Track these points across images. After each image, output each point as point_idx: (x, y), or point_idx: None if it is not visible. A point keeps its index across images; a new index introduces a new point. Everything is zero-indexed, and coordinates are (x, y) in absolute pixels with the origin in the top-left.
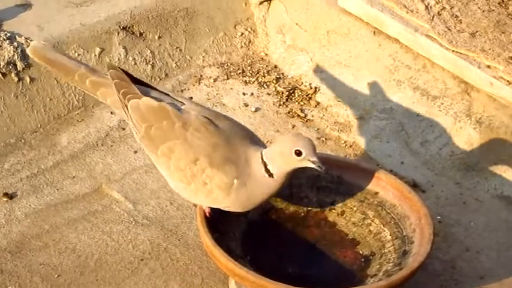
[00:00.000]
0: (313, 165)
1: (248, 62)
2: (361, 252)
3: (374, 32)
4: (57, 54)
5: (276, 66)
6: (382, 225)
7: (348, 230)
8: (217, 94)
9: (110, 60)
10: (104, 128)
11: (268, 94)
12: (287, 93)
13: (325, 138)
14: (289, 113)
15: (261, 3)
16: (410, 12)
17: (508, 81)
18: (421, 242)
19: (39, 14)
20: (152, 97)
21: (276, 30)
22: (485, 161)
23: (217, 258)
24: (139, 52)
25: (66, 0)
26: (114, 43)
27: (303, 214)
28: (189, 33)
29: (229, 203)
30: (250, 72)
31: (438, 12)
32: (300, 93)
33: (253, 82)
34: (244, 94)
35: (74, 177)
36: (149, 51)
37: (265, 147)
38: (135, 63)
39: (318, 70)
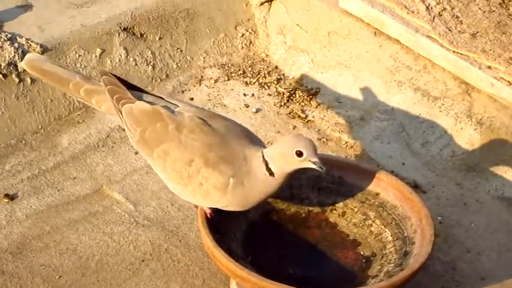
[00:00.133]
0: (314, 166)
1: (249, 63)
2: (362, 253)
3: (375, 33)
4: (52, 65)
5: (276, 67)
6: (383, 226)
7: (349, 230)
8: (218, 95)
9: (111, 61)
10: (104, 129)
11: (269, 95)
12: (288, 94)
13: (326, 139)
14: (290, 113)
15: (261, 4)
16: (411, 13)
17: (508, 82)
18: (422, 242)
19: (40, 15)
20: (146, 101)
21: (276, 31)
22: (486, 161)
23: (218, 259)
24: (140, 53)
25: (67, 1)
26: (114, 44)
27: (304, 215)
28: (190, 34)
29: (227, 203)
30: (251, 73)
31: (439, 13)
32: (300, 94)
33: (254, 83)
34: (245, 95)
35: (74, 178)
36: (150, 52)
37: (264, 146)
38: (136, 64)
39: (319, 71)
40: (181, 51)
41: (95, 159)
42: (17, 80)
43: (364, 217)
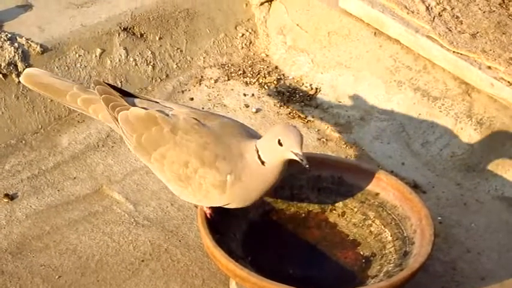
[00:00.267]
0: (295, 157)
1: (249, 63)
2: (361, 253)
3: (375, 33)
4: (50, 78)
5: (276, 67)
6: (382, 226)
7: (348, 231)
8: (218, 95)
9: (111, 61)
10: (104, 129)
11: (269, 95)
12: (288, 94)
13: (326, 139)
14: (290, 113)
15: (261, 4)
16: (411, 13)
17: (508, 82)
18: (421, 243)
19: (40, 15)
20: (140, 107)
21: (276, 31)
22: (486, 162)
23: (218, 259)
24: (140, 53)
25: (67, 1)
26: (114, 44)
27: (303, 215)
28: (190, 34)
29: (228, 200)
30: (251, 73)
31: (439, 13)
32: (300, 94)
33: (254, 83)
34: (245, 95)
35: (74, 178)
36: (150, 52)
37: (260, 138)
38: (136, 64)
39: (319, 71)
40: (181, 51)
41: (95, 159)
42: (17, 80)
43: (364, 217)
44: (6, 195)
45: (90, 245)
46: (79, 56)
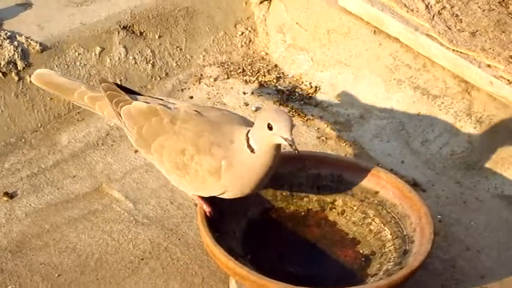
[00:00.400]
0: (284, 142)
1: (248, 61)
2: (361, 251)
3: (374, 31)
4: (59, 78)
5: (276, 66)
6: (382, 225)
7: (348, 229)
8: (217, 93)
9: (110, 59)
10: (104, 127)
11: (269, 93)
12: (287, 92)
13: (326, 138)
14: (289, 112)
15: (261, 2)
16: (411, 11)
17: (508, 80)
18: (421, 241)
19: (39, 13)
20: (143, 101)
21: (276, 29)
22: (485, 160)
23: (218, 257)
24: (139, 51)
25: None
26: (114, 42)
27: (303, 213)
28: (190, 32)
29: (224, 187)
30: (251, 71)
31: (438, 12)
32: (300, 92)
33: (254, 81)
34: (244, 93)
35: (74, 176)
36: (149, 50)
37: None
38: (136, 63)
39: (318, 69)
40: (180, 49)
41: (95, 158)
42: (16, 78)
43: (364, 215)
44: (6, 194)
45: (90, 243)
46: (78, 54)
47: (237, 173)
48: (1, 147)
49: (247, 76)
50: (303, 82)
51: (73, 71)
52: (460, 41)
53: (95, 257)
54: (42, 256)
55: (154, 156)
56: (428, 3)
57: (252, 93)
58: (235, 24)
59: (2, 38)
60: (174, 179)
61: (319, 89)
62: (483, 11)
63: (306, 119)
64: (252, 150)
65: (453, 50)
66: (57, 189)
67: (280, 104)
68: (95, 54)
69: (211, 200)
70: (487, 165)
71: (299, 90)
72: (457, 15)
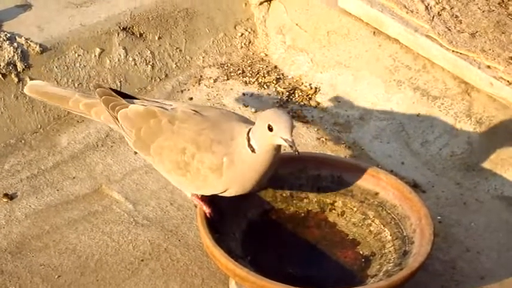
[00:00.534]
0: (284, 143)
1: (248, 62)
2: (361, 252)
3: (374, 33)
4: (53, 87)
5: (276, 67)
6: (382, 226)
7: (348, 230)
8: (217, 95)
9: (110, 60)
10: (104, 128)
11: (268, 95)
12: (287, 93)
13: (325, 139)
14: (289, 113)
15: (261, 3)
16: (410, 12)
17: (508, 81)
18: (421, 242)
19: (39, 15)
20: (140, 104)
21: (276, 30)
22: (485, 161)
23: (218, 258)
24: (139, 53)
25: (66, 0)
26: (114, 44)
27: (303, 214)
28: (189, 33)
29: (226, 185)
30: (250, 72)
31: (438, 13)
32: (300, 93)
33: (253, 83)
34: (244, 95)
35: (74, 177)
36: (149, 51)
37: None
38: (135, 64)
39: (318, 70)
40: (180, 50)
41: (94, 159)
42: (16, 79)
43: (364, 216)
44: (6, 195)
45: (90, 244)
46: (78, 55)
47: (238, 171)
48: (1, 149)
49: (247, 77)
50: (302, 83)
51: (72, 72)
52: (459, 42)
53: (94, 258)
54: (42, 257)
55: (154, 157)
56: (428, 4)
57: (252, 94)
58: (235, 25)
59: (1, 39)
60: (175, 179)
61: (319, 90)
62: (483, 12)
63: (305, 120)
64: (253, 150)
65: (453, 51)
66: (57, 190)
67: (279, 105)
68: (95, 56)
69: (211, 201)
70: (487, 166)
71: (299, 91)
72: (456, 16)
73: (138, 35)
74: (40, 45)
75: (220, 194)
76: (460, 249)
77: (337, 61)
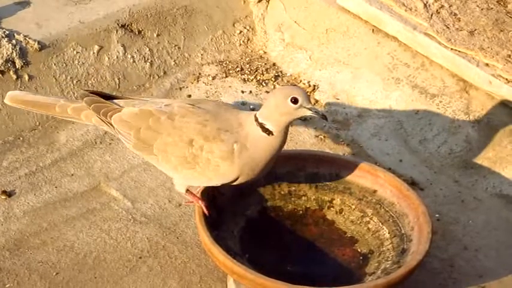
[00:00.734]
0: (310, 113)
1: (247, 60)
2: (359, 250)
3: (373, 30)
4: (35, 96)
5: (274, 64)
6: (380, 223)
7: (346, 228)
8: (215, 92)
9: (109, 58)
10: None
11: (267, 92)
12: None
13: (324, 136)
14: None
15: (259, 1)
16: (409, 10)
17: (506, 79)
18: (419, 240)
19: (37, 12)
20: (131, 106)
21: (274, 28)
22: (483, 159)
23: (216, 256)
24: (137, 50)
25: None
26: (112, 41)
27: (301, 212)
28: (188, 31)
29: (238, 172)
30: (249, 70)
31: (437, 11)
32: None
33: (252, 80)
34: (242, 92)
35: (72, 175)
36: (148, 49)
37: None
38: (134, 61)
39: (317, 68)
40: (179, 48)
41: (93, 156)
42: (14, 76)
43: (362, 214)
44: (4, 192)
45: (88, 241)
46: (77, 52)
47: (250, 155)
48: None
49: (245, 75)
50: (301, 81)
51: (71, 69)
52: (458, 40)
53: (92, 255)
54: (40, 254)
55: (158, 155)
56: (427, 2)
57: (250, 92)
58: (234, 22)
59: (0, 36)
60: (185, 175)
61: (318, 87)
62: (481, 9)
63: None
64: (270, 133)
65: (451, 48)
66: (55, 187)
67: None
68: (93, 53)
69: (207, 198)
70: (485, 164)
71: None
72: (455, 14)
73: (137, 32)
74: (39, 42)
75: (231, 184)
76: (458, 247)
77: (336, 59)
